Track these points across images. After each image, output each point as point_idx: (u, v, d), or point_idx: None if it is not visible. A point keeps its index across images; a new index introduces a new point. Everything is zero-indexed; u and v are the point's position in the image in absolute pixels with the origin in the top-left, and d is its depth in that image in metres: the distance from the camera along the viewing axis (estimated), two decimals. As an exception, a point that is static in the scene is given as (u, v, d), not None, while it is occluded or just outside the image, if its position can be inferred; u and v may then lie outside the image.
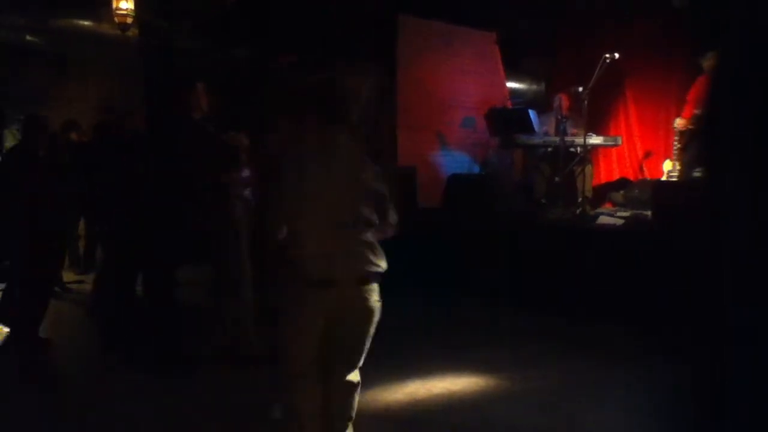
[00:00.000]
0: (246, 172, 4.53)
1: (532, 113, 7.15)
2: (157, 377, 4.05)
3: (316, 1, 7.27)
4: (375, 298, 2.65)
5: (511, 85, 8.89)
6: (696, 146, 6.24)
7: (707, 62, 6.04)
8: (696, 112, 6.34)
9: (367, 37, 7.30)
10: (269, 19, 7.33)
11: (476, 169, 8.28)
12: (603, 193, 7.86)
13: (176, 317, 4.66)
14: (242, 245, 4.47)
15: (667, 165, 7.09)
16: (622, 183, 7.94)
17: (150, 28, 7.08)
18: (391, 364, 4.05)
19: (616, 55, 6.31)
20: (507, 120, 7.43)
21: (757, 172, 1.60)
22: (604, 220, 6.06)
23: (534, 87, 9.53)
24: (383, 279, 2.70)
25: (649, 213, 5.78)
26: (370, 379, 3.88)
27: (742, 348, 1.84)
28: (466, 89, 8.29)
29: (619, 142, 7.32)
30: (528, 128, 7.06)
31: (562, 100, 7.56)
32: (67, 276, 6.70)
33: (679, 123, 6.69)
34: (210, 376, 4.12)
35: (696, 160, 6.20)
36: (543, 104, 8.54)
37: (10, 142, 7.18)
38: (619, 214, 6.17)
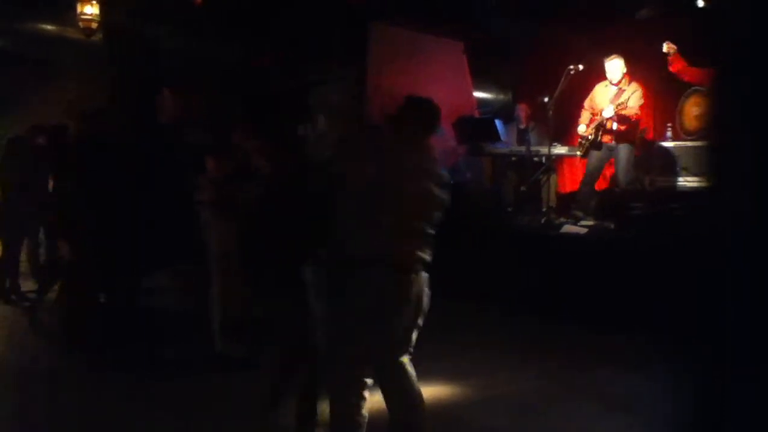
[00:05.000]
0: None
1: (498, 122, 7.25)
2: (126, 384, 4.01)
3: (289, 5, 7.27)
4: None
5: (478, 94, 8.99)
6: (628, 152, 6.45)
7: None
8: (599, 117, 6.52)
9: (339, 44, 7.33)
10: (242, 22, 7.31)
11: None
12: (567, 201, 7.98)
13: (144, 323, 4.63)
14: (211, 250, 4.46)
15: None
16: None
17: (117, 31, 7.00)
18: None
19: (580, 67, 6.43)
20: (474, 129, 7.52)
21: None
22: (568, 228, 6.17)
23: (501, 97, 9.65)
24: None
25: (611, 221, 5.93)
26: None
27: (742, 352, 1.90)
28: (434, 98, 8.31)
29: (583, 152, 7.45)
30: (494, 137, 7.17)
31: (524, 110, 7.70)
32: (26, 285, 6.56)
33: (583, 131, 6.79)
34: (184, 383, 4.09)
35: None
36: (510, 114, 8.66)
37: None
38: (582, 222, 6.29)
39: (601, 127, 6.47)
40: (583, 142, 6.68)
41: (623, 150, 6.45)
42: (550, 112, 6.61)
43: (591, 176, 6.70)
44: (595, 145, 6.51)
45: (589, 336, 5.00)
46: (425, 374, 4.16)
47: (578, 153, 6.85)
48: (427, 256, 2.93)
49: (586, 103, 6.85)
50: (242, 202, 4.65)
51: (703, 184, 5.85)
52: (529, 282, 5.69)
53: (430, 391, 3.96)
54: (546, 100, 6.83)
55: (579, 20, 7.58)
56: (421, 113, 3.12)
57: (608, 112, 6.35)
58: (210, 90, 6.85)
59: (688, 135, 5.99)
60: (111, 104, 6.39)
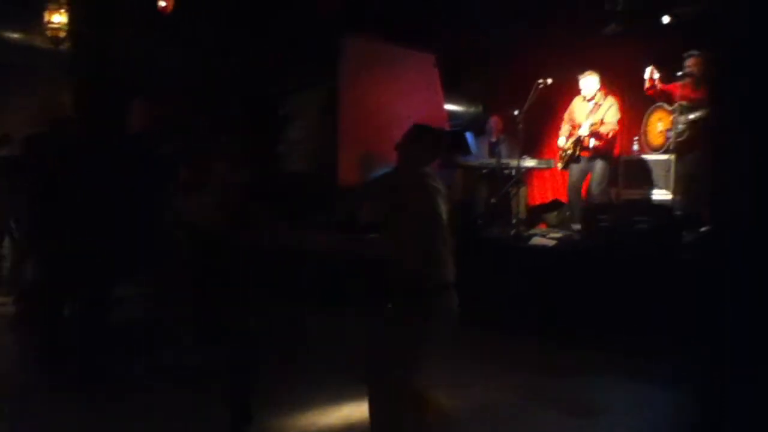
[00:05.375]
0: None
1: (468, 135, 7.34)
2: (87, 397, 3.95)
3: (260, 16, 7.25)
4: None
5: (449, 107, 9.05)
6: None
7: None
8: (577, 132, 6.62)
9: (311, 54, 7.34)
10: (212, 30, 7.27)
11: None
12: (537, 214, 8.07)
13: (109, 335, 4.56)
14: (177, 261, 4.43)
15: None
16: (556, 204, 8.18)
17: (85, 40, 6.91)
18: (325, 386, 4.05)
19: (549, 81, 6.53)
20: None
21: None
22: (537, 240, 6.24)
23: (472, 109, 9.74)
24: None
25: (578, 234, 6.01)
26: (305, 402, 3.90)
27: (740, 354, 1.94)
28: (406, 110, 8.36)
29: (552, 165, 7.57)
30: (465, 150, 7.24)
31: (495, 123, 7.82)
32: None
33: (563, 144, 6.97)
34: (145, 396, 4.04)
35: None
36: (481, 126, 8.74)
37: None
38: (551, 235, 6.36)
39: (578, 143, 6.70)
40: (563, 155, 6.87)
41: (599, 164, 6.66)
42: (520, 126, 6.70)
43: (574, 187, 6.93)
44: (574, 159, 6.76)
45: (558, 347, 5.05)
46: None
47: (559, 165, 7.05)
48: None
49: (566, 116, 7.05)
50: (206, 213, 4.65)
51: (668, 198, 5.98)
52: (498, 294, 5.73)
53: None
54: (516, 113, 6.92)
55: (548, 34, 7.70)
56: (425, 141, 3.35)
57: (584, 130, 6.56)
58: (182, 99, 6.81)
59: (654, 150, 6.14)
60: (78, 113, 6.31)
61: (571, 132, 6.89)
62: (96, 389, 4.06)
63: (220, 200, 4.79)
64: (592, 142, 6.58)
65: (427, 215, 3.05)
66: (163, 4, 6.52)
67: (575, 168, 6.85)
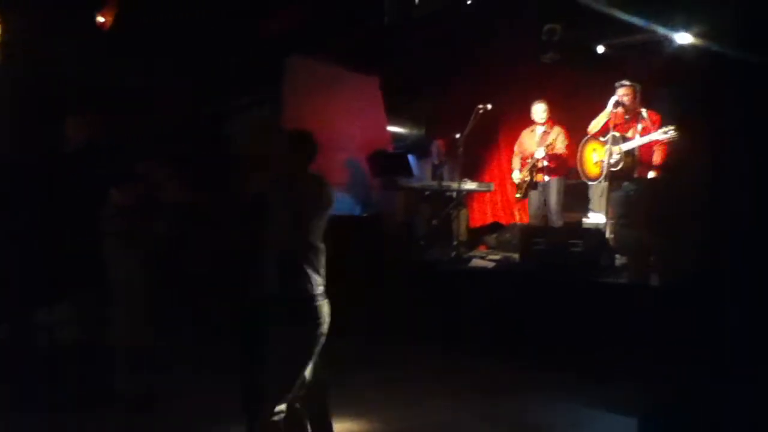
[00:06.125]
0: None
1: (411, 157, 7.44)
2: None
3: (204, 33, 7.19)
4: None
5: (393, 129, 9.15)
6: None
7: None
8: (529, 161, 6.85)
9: (254, 74, 7.31)
10: (155, 46, 7.16)
11: (358, 211, 8.41)
12: (477, 236, 8.22)
13: (34, 360, 4.41)
14: (116, 282, 4.32)
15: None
16: (495, 227, 8.36)
17: (19, 53, 6.71)
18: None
19: (489, 106, 6.68)
20: (388, 163, 7.66)
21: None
22: (476, 262, 6.36)
23: (415, 132, 9.86)
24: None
25: (517, 255, 6.14)
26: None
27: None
28: (349, 131, 8.44)
29: (492, 188, 7.73)
30: (407, 172, 7.33)
31: (439, 146, 7.94)
32: None
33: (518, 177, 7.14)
34: (83, 423, 3.91)
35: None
36: (424, 149, 8.86)
37: None
38: (490, 257, 6.49)
39: (534, 168, 6.86)
40: (521, 185, 7.02)
41: (554, 184, 6.81)
42: (460, 149, 6.83)
43: (536, 214, 7.00)
44: (532, 185, 6.90)
45: (496, 367, 5.12)
46: (335, 410, 4.18)
47: (518, 195, 7.19)
48: None
49: (516, 149, 7.23)
50: (152, 233, 4.56)
51: (602, 222, 6.17)
52: (439, 315, 5.80)
53: (340, 428, 3.97)
54: (457, 136, 7.05)
55: (489, 61, 7.90)
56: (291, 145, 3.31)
57: (539, 153, 6.73)
58: (118, 116, 6.67)
59: (591, 180, 6.29)
60: (9, 129, 6.11)
61: (523, 163, 7.03)
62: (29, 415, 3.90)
63: (161, 220, 4.71)
64: (546, 163, 6.75)
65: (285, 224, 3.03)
66: (101, 19, 6.40)
67: (534, 195, 6.96)
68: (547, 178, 6.81)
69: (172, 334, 4.95)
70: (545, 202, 6.91)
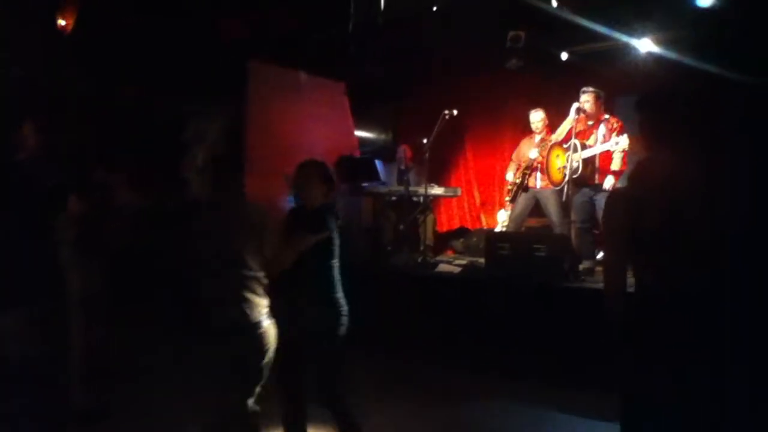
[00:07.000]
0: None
1: (378, 162, 7.40)
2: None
3: (164, 36, 7.07)
4: None
5: (360, 134, 9.13)
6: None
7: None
8: (524, 163, 6.88)
9: (214, 78, 7.20)
10: (111, 51, 7.01)
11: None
12: (444, 241, 8.22)
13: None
14: (69, 291, 4.19)
15: (501, 215, 7.59)
16: (462, 231, 8.37)
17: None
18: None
19: (455, 112, 6.67)
20: (354, 168, 7.60)
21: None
22: (443, 267, 6.34)
23: (382, 137, 9.85)
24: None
25: (483, 260, 6.14)
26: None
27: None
28: (315, 136, 8.38)
29: (458, 193, 7.74)
30: (374, 177, 7.29)
31: (405, 151, 7.93)
32: None
33: (511, 178, 7.17)
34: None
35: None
36: (391, 154, 8.85)
37: None
38: (456, 262, 6.48)
39: (528, 170, 6.83)
40: (511, 187, 7.00)
41: (550, 196, 6.54)
42: (427, 154, 6.82)
43: (516, 221, 6.87)
44: (524, 187, 6.84)
45: (457, 374, 5.12)
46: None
47: (507, 198, 7.18)
48: None
49: (514, 156, 7.21)
50: (108, 241, 4.44)
51: (566, 228, 6.21)
52: (405, 321, 5.77)
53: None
54: (424, 141, 7.04)
55: (455, 67, 7.92)
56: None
57: (533, 154, 6.71)
58: (72, 123, 6.52)
59: (556, 186, 6.30)
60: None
61: (518, 169, 7.00)
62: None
63: (119, 227, 4.60)
64: (540, 165, 6.69)
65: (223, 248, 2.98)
66: (63, 23, 6.24)
67: (522, 199, 6.87)
68: (539, 184, 6.74)
69: (128, 345, 4.84)
70: (527, 211, 6.88)
